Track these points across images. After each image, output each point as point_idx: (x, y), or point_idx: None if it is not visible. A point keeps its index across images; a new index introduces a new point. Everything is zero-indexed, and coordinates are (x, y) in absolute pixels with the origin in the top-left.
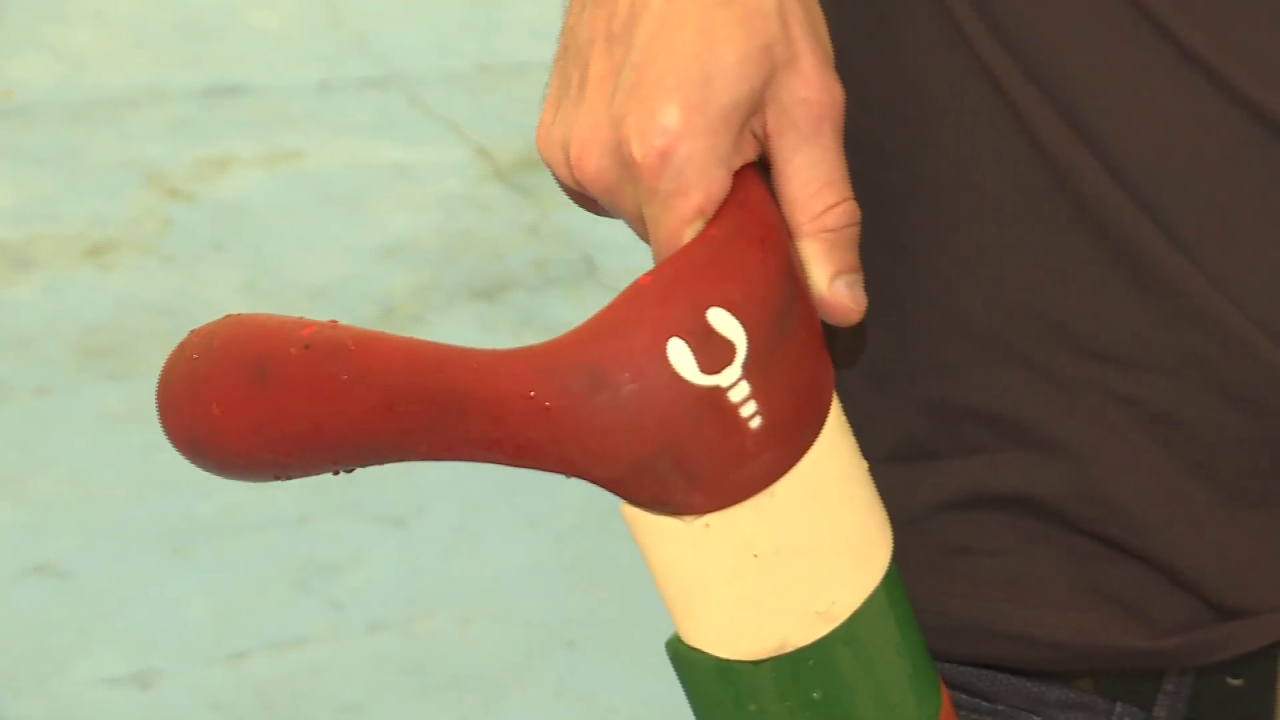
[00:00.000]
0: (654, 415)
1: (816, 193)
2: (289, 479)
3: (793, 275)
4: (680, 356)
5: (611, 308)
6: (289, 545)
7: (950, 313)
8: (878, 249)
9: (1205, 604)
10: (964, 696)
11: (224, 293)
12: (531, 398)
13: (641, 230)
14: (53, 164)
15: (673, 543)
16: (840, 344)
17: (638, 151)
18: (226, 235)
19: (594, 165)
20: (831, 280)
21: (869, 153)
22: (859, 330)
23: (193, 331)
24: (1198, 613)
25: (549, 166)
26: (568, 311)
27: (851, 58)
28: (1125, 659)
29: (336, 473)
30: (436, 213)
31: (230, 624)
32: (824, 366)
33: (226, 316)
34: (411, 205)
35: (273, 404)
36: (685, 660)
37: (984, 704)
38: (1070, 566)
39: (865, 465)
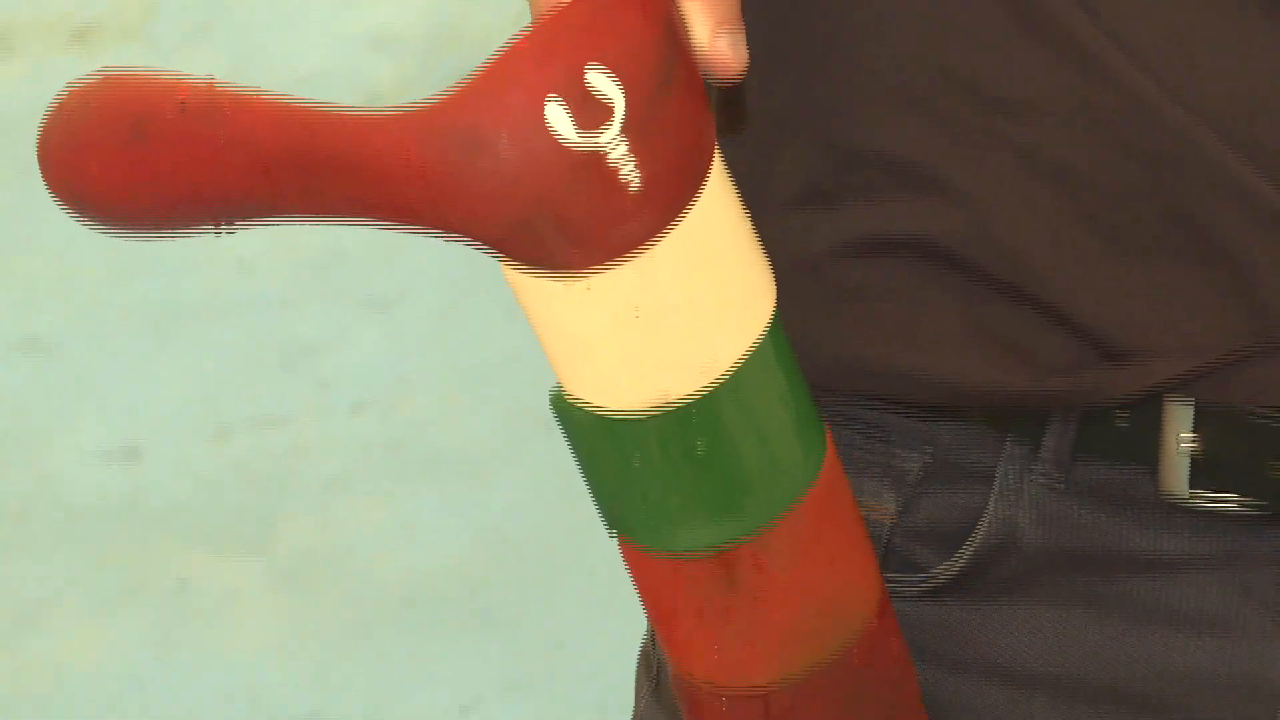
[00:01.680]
0: (532, 176)
1: None
2: (173, 236)
3: (673, 33)
4: (557, 117)
5: (488, 69)
6: (273, 326)
7: (855, 62)
8: (785, 7)
9: (1092, 347)
10: (857, 433)
11: None
12: (408, 161)
13: None
14: None
15: (554, 302)
16: (746, 89)
17: None
18: (212, 21)
19: None
20: (713, 35)
21: None
22: (765, 74)
23: (70, 89)
24: (1085, 356)
25: None
26: None
27: None
28: (1013, 399)
29: (219, 231)
30: (423, 4)
31: (214, 402)
32: (705, 125)
33: (104, 75)
34: None
35: (149, 165)
36: (569, 415)
37: (876, 438)
38: (962, 309)
39: (748, 220)
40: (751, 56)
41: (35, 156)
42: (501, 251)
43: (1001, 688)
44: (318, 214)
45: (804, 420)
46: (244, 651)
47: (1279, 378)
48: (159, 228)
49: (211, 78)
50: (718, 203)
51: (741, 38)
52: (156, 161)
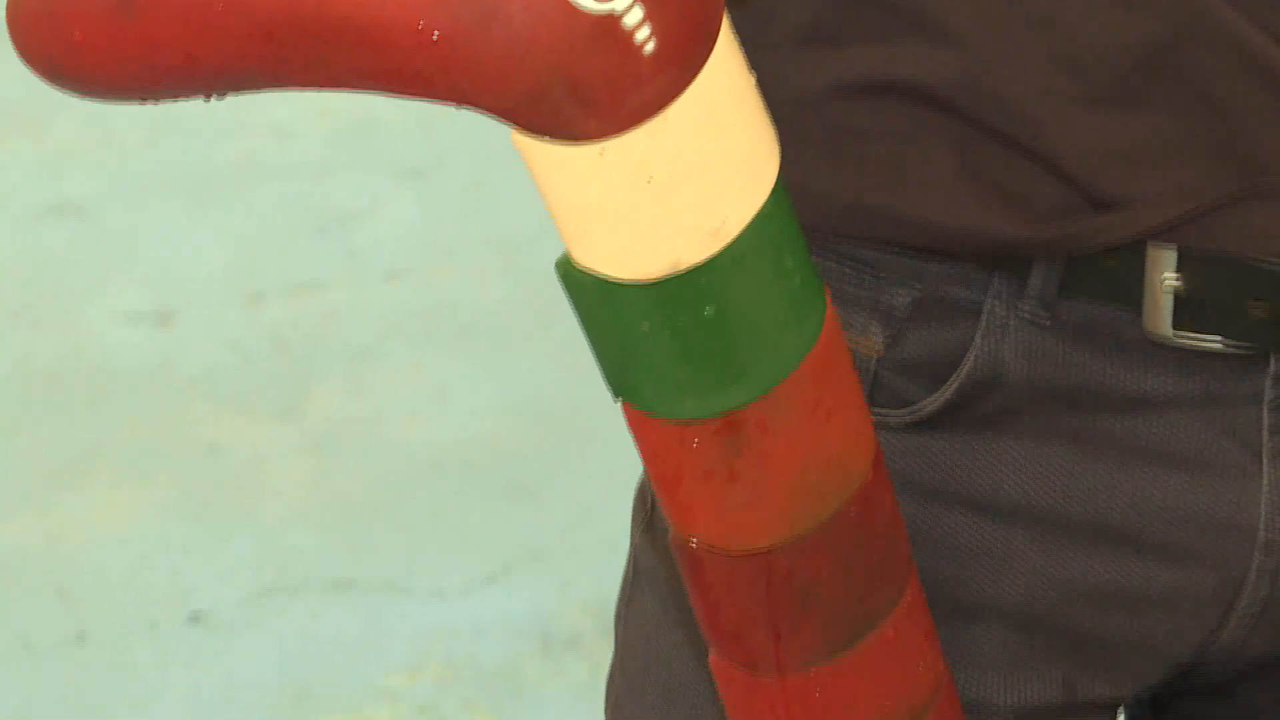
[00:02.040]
0: (547, 43)
1: None
2: (159, 103)
3: None
4: None
5: None
6: (307, 193)
7: None
8: None
9: (1081, 194)
10: (846, 269)
11: None
12: (420, 28)
13: None
14: None
15: (567, 170)
16: None
17: None
18: None
19: None
20: None
21: None
22: None
23: None
24: (1073, 203)
25: None
26: None
27: None
28: (1003, 244)
29: (208, 99)
30: None
31: (248, 267)
32: None
33: None
34: None
35: (140, 34)
36: (577, 282)
37: (865, 274)
38: (955, 154)
39: (754, 81)
40: None
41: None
42: (514, 121)
43: (982, 519)
44: (321, 84)
45: (807, 280)
46: (273, 516)
47: (1262, 223)
48: (145, 97)
49: None
50: (727, 64)
51: None
52: (148, 30)
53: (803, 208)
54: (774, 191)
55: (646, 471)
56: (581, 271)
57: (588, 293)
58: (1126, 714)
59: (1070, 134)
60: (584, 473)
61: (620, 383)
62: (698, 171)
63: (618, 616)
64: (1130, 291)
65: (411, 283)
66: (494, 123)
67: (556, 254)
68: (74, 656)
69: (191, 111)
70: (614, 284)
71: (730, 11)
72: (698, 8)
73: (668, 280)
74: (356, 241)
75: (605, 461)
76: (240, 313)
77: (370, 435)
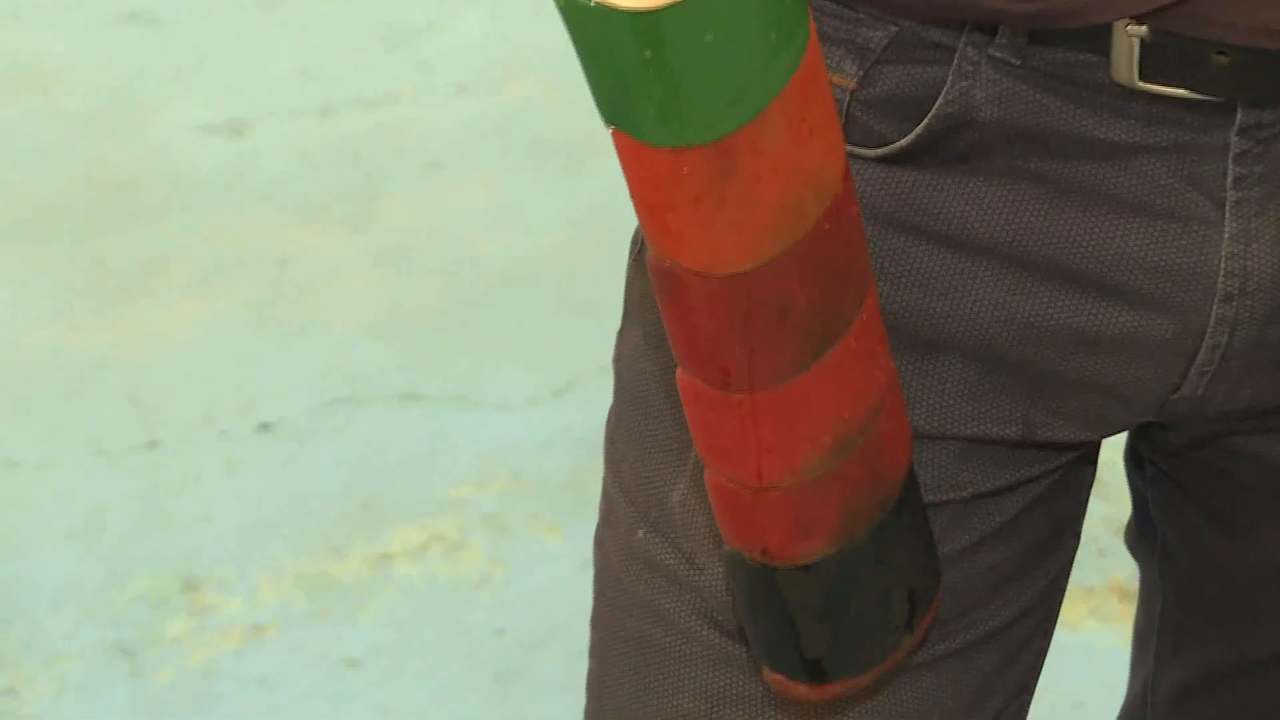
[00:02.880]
0: None
1: None
2: None
3: None
4: None
5: None
6: (379, 5)
7: None
8: None
9: None
10: (824, 3)
11: None
12: None
13: None
14: None
15: None
16: None
17: None
18: None
19: None
20: None
21: None
22: None
23: None
24: None
25: None
26: None
27: None
28: (996, 17)
29: None
30: None
31: (319, 79)
32: None
33: None
34: None
35: None
36: (580, 11)
37: (843, 14)
38: None
39: None
40: None
41: None
42: None
43: (949, 252)
44: None
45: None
46: (341, 327)
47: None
48: None
49: None
50: None
51: None
52: None
53: None
54: None
55: (634, 201)
56: (585, 1)
57: (590, 23)
58: (1127, 468)
59: None
60: None
61: (616, 112)
62: None
63: (615, 355)
64: (1099, 40)
65: (481, 96)
66: None
67: None
68: (145, 462)
69: None
70: (619, 11)
71: None
72: None
73: (672, 6)
74: (427, 54)
75: None
76: (311, 124)
77: (439, 248)
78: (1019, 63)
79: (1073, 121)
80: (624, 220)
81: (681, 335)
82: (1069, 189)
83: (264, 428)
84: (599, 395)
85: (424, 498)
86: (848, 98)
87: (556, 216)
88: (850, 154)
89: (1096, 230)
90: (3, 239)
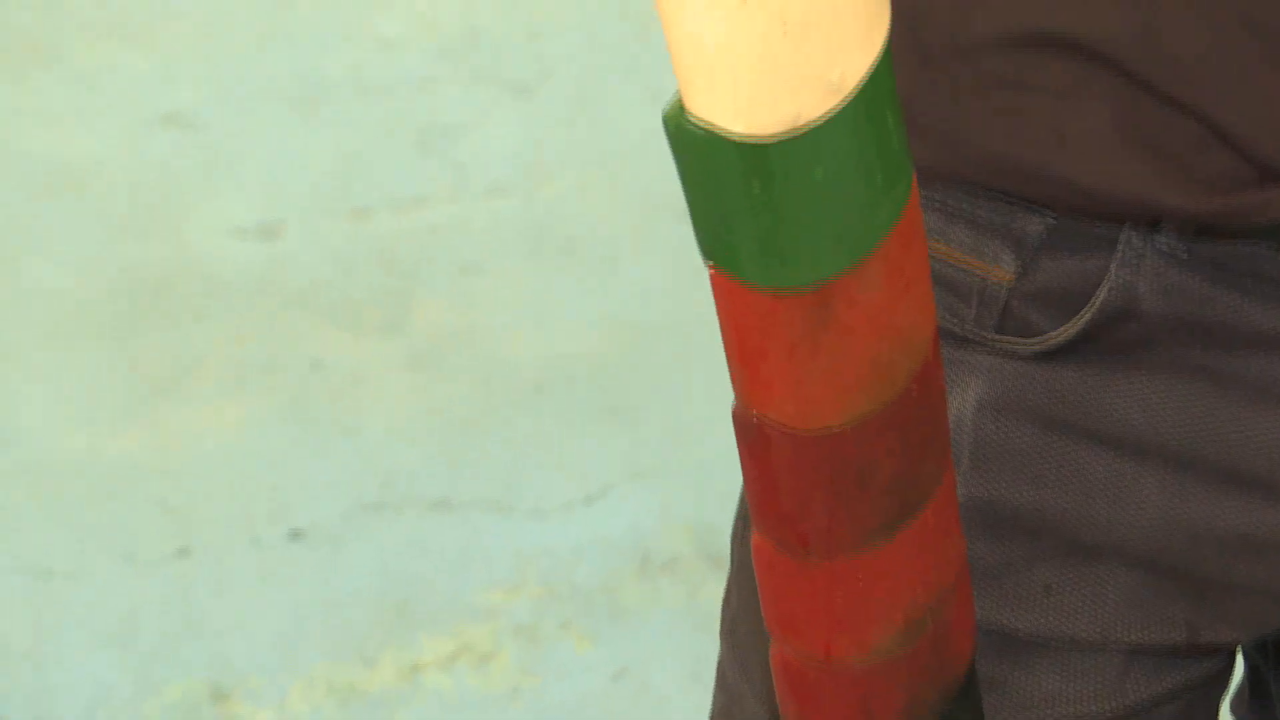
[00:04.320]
0: None
1: None
2: None
3: None
4: None
5: None
6: (413, 106)
7: None
8: None
9: (1249, 164)
10: (980, 196)
11: None
12: None
13: None
14: None
15: (706, 12)
16: None
17: None
18: None
19: None
20: None
21: None
22: None
23: None
24: (1241, 173)
25: None
26: None
27: None
28: (1161, 214)
29: None
30: None
31: (354, 180)
32: None
33: None
34: None
35: None
36: (689, 138)
37: (999, 200)
38: (1118, 115)
39: None
40: None
41: None
42: None
43: (1110, 454)
44: None
45: (902, 142)
46: (374, 431)
47: None
48: None
49: None
50: None
51: None
52: None
53: (947, 156)
54: (884, 47)
55: (727, 345)
56: (695, 125)
57: (699, 148)
58: (1245, 659)
59: (1245, 99)
60: (685, 392)
61: (716, 247)
62: (827, 19)
63: (734, 535)
64: (1271, 229)
65: (515, 198)
66: (598, 37)
67: (660, 171)
68: (176, 570)
69: (299, 23)
70: (729, 140)
71: None
72: None
73: (786, 138)
74: (461, 156)
75: (706, 382)
76: (345, 226)
77: (472, 351)
78: (1185, 254)
79: (1240, 313)
80: (655, 321)
81: (762, 493)
82: (1235, 383)
83: (295, 534)
84: (632, 501)
85: (455, 605)
86: (1005, 291)
87: (591, 318)
88: (1006, 348)
89: (1264, 428)
90: (37, 342)
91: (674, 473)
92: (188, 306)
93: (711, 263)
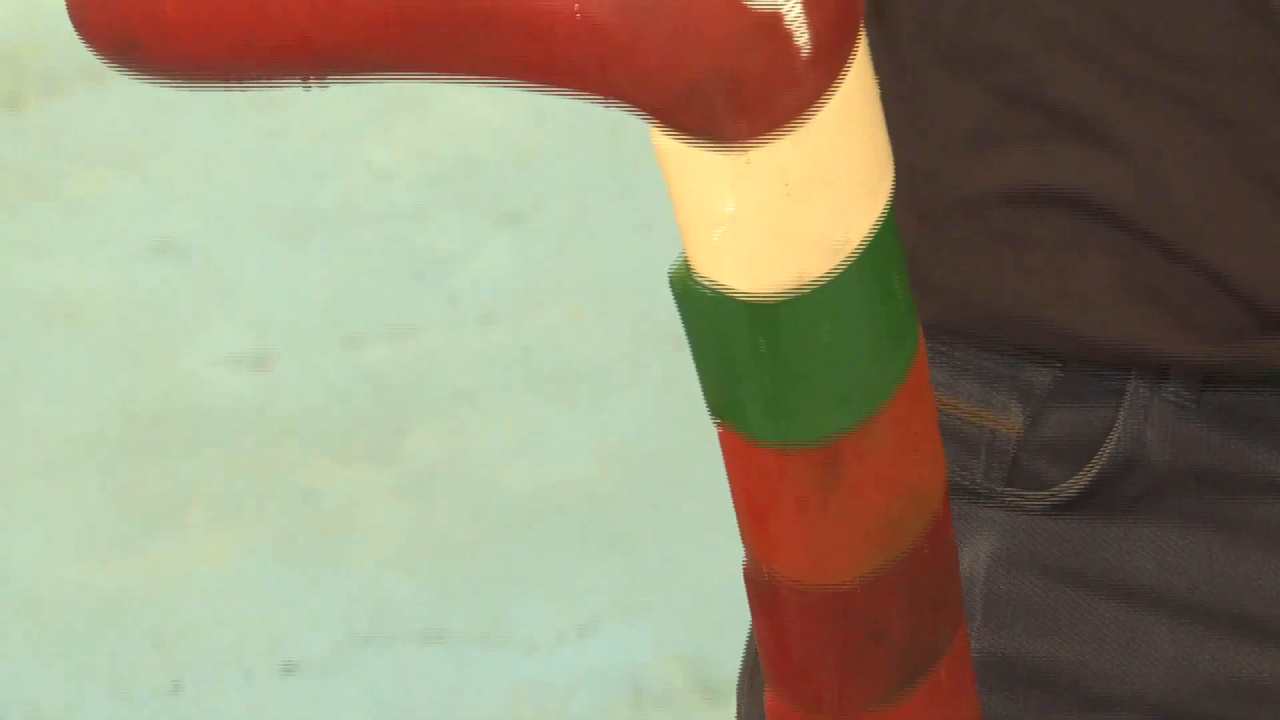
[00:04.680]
0: (711, 36)
1: None
2: (242, 89)
3: None
4: None
5: None
6: (405, 236)
7: (1031, 4)
8: None
9: (1252, 314)
10: (989, 348)
11: None
12: (579, 14)
13: None
14: None
15: (708, 176)
16: (909, 15)
17: None
18: None
19: None
20: None
21: None
22: (929, 4)
23: None
24: (1243, 323)
25: None
26: None
27: None
28: (1167, 364)
29: (308, 86)
30: None
31: (346, 310)
32: None
33: None
34: None
35: (252, 8)
36: (695, 297)
37: (1006, 352)
38: (1119, 267)
39: (878, 89)
40: None
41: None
42: (665, 119)
43: (1122, 605)
44: (452, 72)
45: (908, 301)
46: (366, 562)
47: None
48: (232, 81)
49: None
50: (863, 68)
51: None
52: (262, 6)
53: (952, 311)
54: (887, 206)
55: (736, 501)
56: (701, 284)
57: (705, 307)
58: None
59: (1245, 247)
60: (679, 523)
61: (724, 404)
62: (832, 180)
63: (740, 686)
64: (1276, 376)
65: (508, 326)
66: (589, 164)
67: (653, 298)
68: (168, 705)
69: (292, 152)
70: (735, 299)
71: (882, 95)
72: (847, 5)
73: (791, 297)
74: (453, 284)
75: (700, 511)
76: (337, 355)
77: (465, 481)
78: (1193, 403)
79: (1249, 460)
80: (649, 450)
81: (774, 651)
82: (1246, 531)
83: (288, 667)
84: (625, 634)
85: None
86: (1014, 444)
87: (584, 447)
88: (1015, 503)
89: (1277, 576)
90: (29, 475)
91: (667, 604)
92: (180, 438)
93: (720, 420)
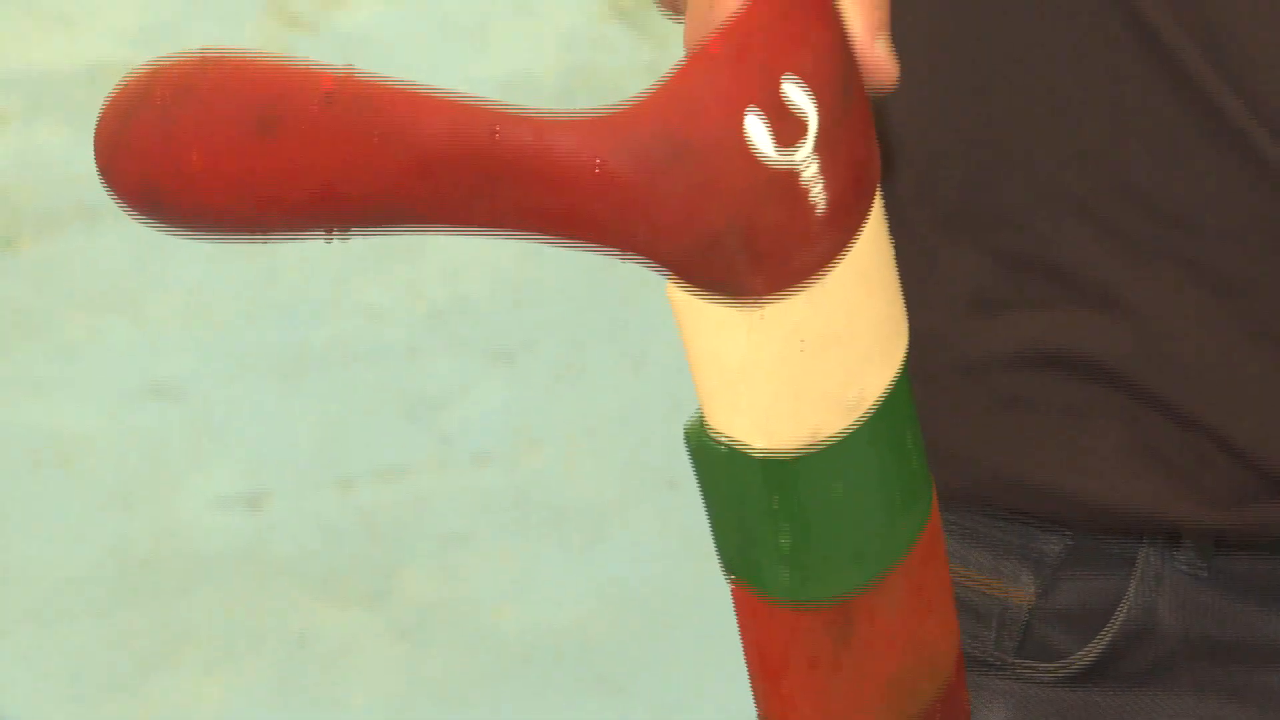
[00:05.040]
0: (728, 192)
1: None
2: (267, 240)
3: (846, 42)
4: (757, 131)
5: (682, 75)
6: (398, 376)
7: (1021, 163)
8: (955, 89)
9: (1261, 478)
10: (998, 516)
11: None
12: (598, 170)
13: None
14: None
15: (723, 330)
16: (910, 181)
17: None
18: (348, 64)
19: None
20: (874, 39)
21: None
22: (930, 171)
23: (151, 71)
24: (1252, 488)
25: None
26: None
27: None
28: (1176, 529)
29: (330, 239)
30: (556, 47)
31: (339, 451)
32: (874, 144)
33: (203, 57)
34: (532, 39)
35: (277, 161)
36: (710, 452)
37: (1016, 521)
38: (1126, 430)
39: (893, 248)
40: (915, 153)
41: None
42: (682, 273)
43: None
44: (477, 223)
45: (921, 460)
46: (360, 705)
47: None
48: (258, 233)
49: (350, 66)
50: (878, 227)
51: (891, 45)
52: (287, 159)
53: (960, 477)
54: (902, 366)
55: (748, 658)
56: (715, 440)
57: (719, 464)
58: None
59: (1252, 410)
60: (674, 667)
61: (737, 561)
62: (847, 338)
63: None
64: None
65: (501, 466)
66: (583, 305)
67: (648, 440)
68: None
69: (285, 293)
70: (749, 455)
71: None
72: (863, 165)
73: (805, 454)
74: (446, 425)
75: (695, 653)
76: (330, 496)
77: (459, 622)
78: (1205, 571)
79: (1264, 628)
80: (645, 593)
81: None
82: (1261, 699)
83: None
84: None
85: None
86: (1026, 613)
87: (579, 588)
88: (1028, 674)
89: None
90: (22, 618)
91: None
92: (174, 580)
93: (733, 576)
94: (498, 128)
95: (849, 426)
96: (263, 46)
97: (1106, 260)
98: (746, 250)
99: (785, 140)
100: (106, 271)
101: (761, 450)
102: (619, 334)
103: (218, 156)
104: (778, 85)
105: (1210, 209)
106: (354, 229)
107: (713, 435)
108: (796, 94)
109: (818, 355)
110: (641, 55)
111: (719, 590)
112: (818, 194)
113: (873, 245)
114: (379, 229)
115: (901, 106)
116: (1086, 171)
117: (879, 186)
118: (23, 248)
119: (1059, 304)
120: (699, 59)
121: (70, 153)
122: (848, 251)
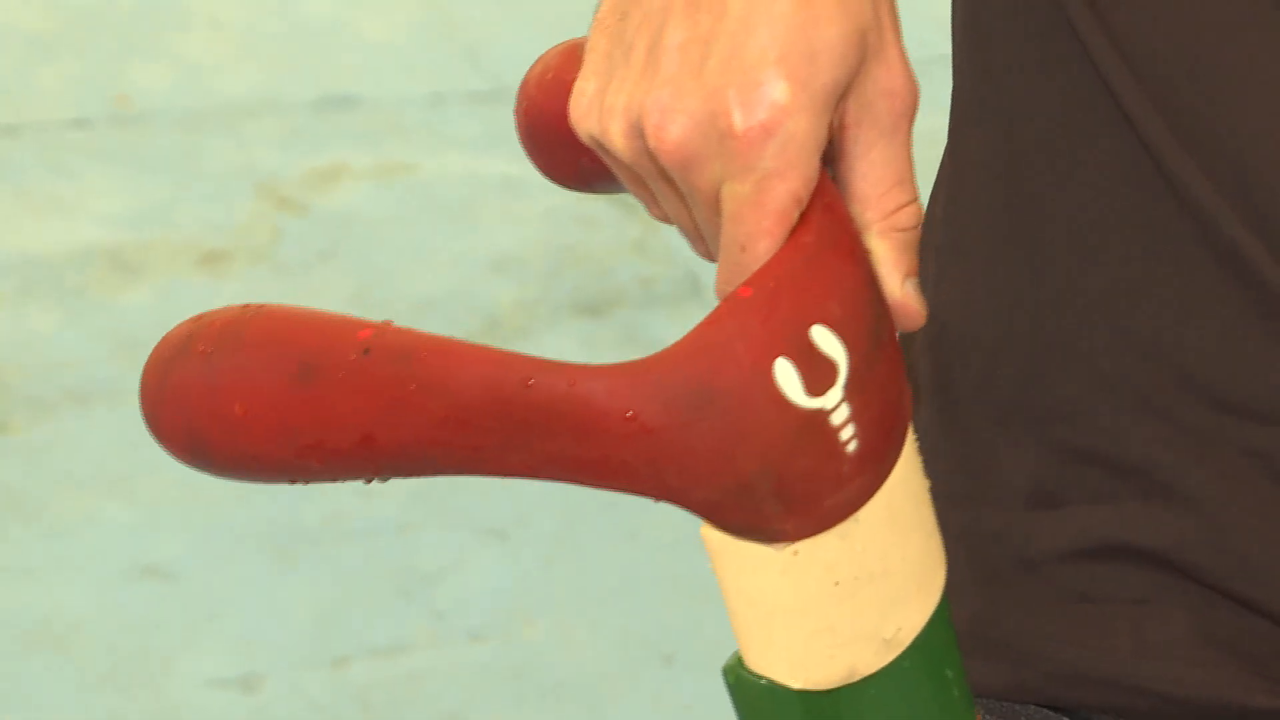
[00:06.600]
0: (758, 439)
1: (889, 190)
2: (307, 484)
3: (877, 285)
4: (787, 377)
5: (713, 322)
6: (391, 553)
7: (1080, 355)
8: (1008, 284)
9: None
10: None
11: (332, 301)
12: (630, 418)
13: (702, 214)
14: (167, 171)
15: (758, 570)
16: (967, 379)
17: (740, 123)
18: (336, 245)
19: (677, 135)
20: (903, 282)
21: (1005, 187)
22: (987, 367)
23: (196, 322)
24: None
25: (590, 136)
26: (672, 329)
27: (996, 98)
28: (1246, 716)
29: (370, 481)
30: (543, 227)
31: (333, 630)
32: (905, 383)
33: (246, 307)
34: (518, 219)
35: (316, 410)
36: (749, 688)
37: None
38: (1194, 620)
39: (928, 485)
40: (971, 349)
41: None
42: (715, 517)
43: None
44: (511, 471)
45: (963, 693)
46: None
47: None
48: (298, 478)
49: (389, 322)
50: (912, 466)
51: (918, 285)
52: (327, 408)
53: (1024, 674)
54: (941, 599)
55: None
56: (754, 677)
57: (760, 700)
58: None
59: None
60: None
61: None
62: (880, 576)
63: None
64: None
65: (496, 643)
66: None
67: (643, 614)
68: None
69: None
70: (788, 691)
71: (941, 460)
72: (894, 404)
73: (842, 689)
74: (440, 601)
75: None
76: (324, 675)
77: None
78: None
79: None
80: None
81: None
82: None
83: None
84: None
85: None
86: None
87: None
88: None
89: None
90: None
91: None
92: None
93: None
94: (531, 378)
95: (886, 664)
96: (253, 227)
97: (1167, 451)
98: (778, 495)
99: (816, 387)
100: (98, 453)
101: (799, 688)
102: (611, 506)
103: (259, 405)
104: (808, 332)
105: (1271, 397)
106: (395, 475)
107: (751, 672)
108: (827, 340)
109: (852, 594)
110: (628, 232)
111: None
112: (849, 437)
113: (906, 482)
114: (420, 475)
115: (957, 302)
116: (1146, 363)
117: (923, 401)
118: (14, 430)
119: (1120, 496)
120: (730, 306)
121: (62, 336)
122: (881, 490)
